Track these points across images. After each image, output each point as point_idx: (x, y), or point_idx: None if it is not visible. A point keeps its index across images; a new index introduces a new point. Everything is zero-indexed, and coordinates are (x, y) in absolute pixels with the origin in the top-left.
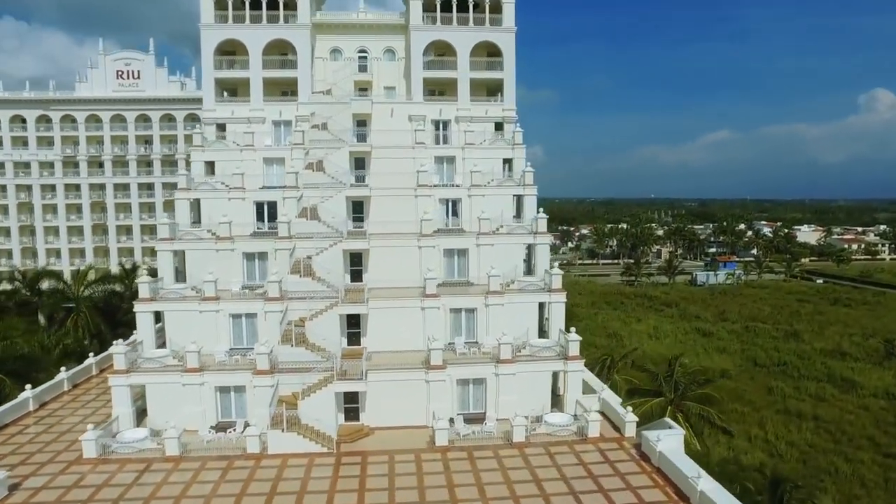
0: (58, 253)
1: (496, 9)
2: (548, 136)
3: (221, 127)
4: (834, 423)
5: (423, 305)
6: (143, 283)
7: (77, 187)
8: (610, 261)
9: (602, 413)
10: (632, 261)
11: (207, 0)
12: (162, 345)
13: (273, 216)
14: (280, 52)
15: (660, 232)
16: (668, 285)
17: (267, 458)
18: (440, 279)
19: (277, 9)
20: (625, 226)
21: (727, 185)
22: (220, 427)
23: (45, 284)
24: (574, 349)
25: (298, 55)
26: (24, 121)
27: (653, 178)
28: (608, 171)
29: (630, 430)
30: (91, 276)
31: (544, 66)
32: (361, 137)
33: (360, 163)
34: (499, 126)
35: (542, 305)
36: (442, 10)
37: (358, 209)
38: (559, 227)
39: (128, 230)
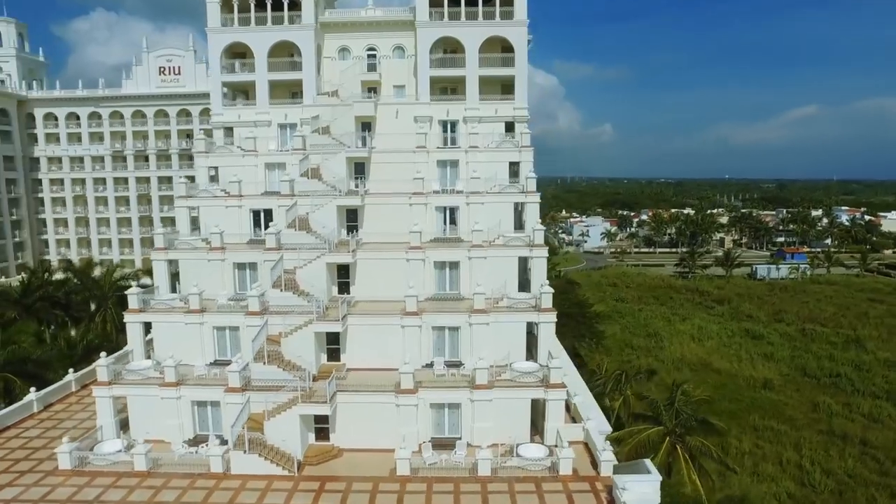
0: (109, 243)
1: (507, 1)
2: (618, 114)
3: (231, 131)
4: (884, 450)
5: (402, 323)
6: (132, 295)
7: (125, 180)
8: (668, 249)
9: (586, 446)
10: (689, 250)
11: (214, 3)
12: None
13: (269, 225)
14: (288, 53)
15: (724, 219)
16: (725, 279)
17: (228, 478)
18: (431, 293)
19: (284, 10)
20: (690, 211)
21: (810, 164)
22: (197, 441)
23: (96, 272)
24: (556, 376)
25: (303, 56)
26: (77, 118)
27: (728, 157)
28: (681, 151)
29: (606, 470)
30: (117, 273)
31: (616, 43)
32: (360, 142)
33: (359, 168)
34: (510, 126)
35: (531, 325)
36: (450, 5)
37: (353, 218)
38: (619, 212)
39: (172, 221)
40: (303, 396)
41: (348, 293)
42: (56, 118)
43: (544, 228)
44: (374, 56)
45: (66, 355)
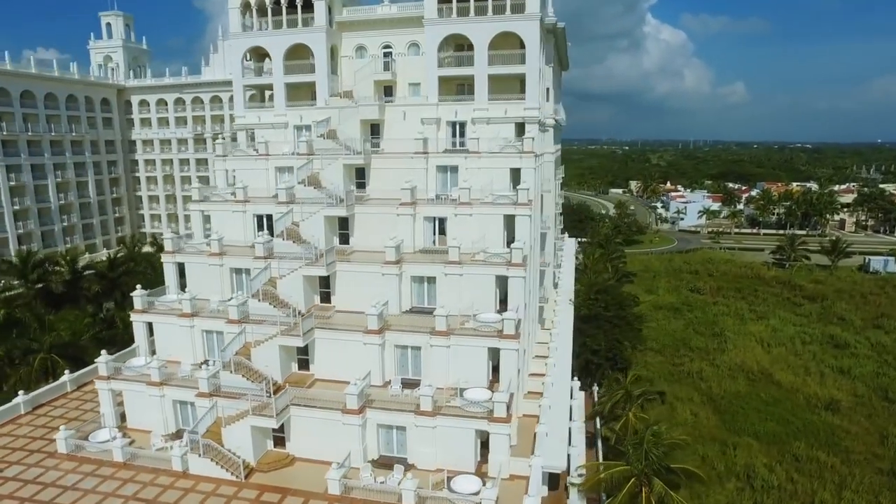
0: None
1: None
2: (752, 72)
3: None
4: None
5: (364, 341)
6: (136, 296)
7: (205, 161)
8: (773, 231)
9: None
10: (789, 235)
11: (235, 9)
12: None
13: (272, 230)
14: (305, 55)
15: (847, 198)
16: (829, 270)
17: (185, 477)
18: (408, 307)
19: (302, 12)
20: (814, 186)
21: None
22: (178, 435)
23: None
24: (500, 409)
25: (315, 59)
26: (166, 103)
27: (884, 118)
28: (823, 111)
29: None
30: None
31: None
32: (360, 147)
33: (361, 174)
34: (522, 128)
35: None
36: (459, 1)
37: (344, 227)
38: (727, 186)
39: None
40: (255, 409)
41: (330, 303)
42: (148, 104)
43: (521, 248)
44: (390, 54)
45: (123, 334)
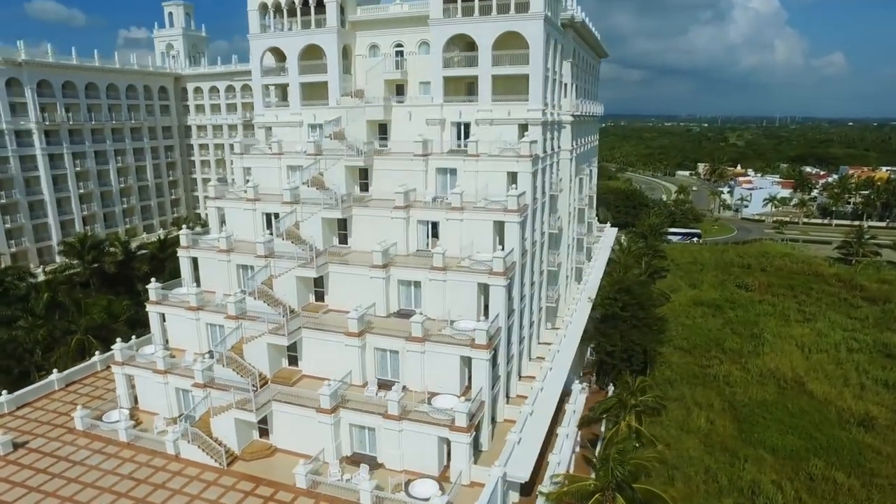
0: None
1: None
2: (853, 41)
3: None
4: None
5: (345, 342)
6: (151, 288)
7: None
8: (848, 222)
9: None
10: (876, 224)
11: (254, 11)
12: None
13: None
14: (319, 55)
15: None
16: None
17: (176, 460)
18: (395, 310)
19: (315, 13)
20: None
21: None
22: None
23: None
24: (460, 420)
25: (327, 59)
26: (218, 90)
27: None
28: None
29: None
30: None
31: None
32: (361, 148)
33: (364, 175)
34: (524, 130)
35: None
36: (463, 0)
37: (343, 227)
38: (801, 171)
39: None
40: (238, 402)
41: (324, 302)
42: (202, 91)
43: (502, 256)
44: (402, 53)
45: None
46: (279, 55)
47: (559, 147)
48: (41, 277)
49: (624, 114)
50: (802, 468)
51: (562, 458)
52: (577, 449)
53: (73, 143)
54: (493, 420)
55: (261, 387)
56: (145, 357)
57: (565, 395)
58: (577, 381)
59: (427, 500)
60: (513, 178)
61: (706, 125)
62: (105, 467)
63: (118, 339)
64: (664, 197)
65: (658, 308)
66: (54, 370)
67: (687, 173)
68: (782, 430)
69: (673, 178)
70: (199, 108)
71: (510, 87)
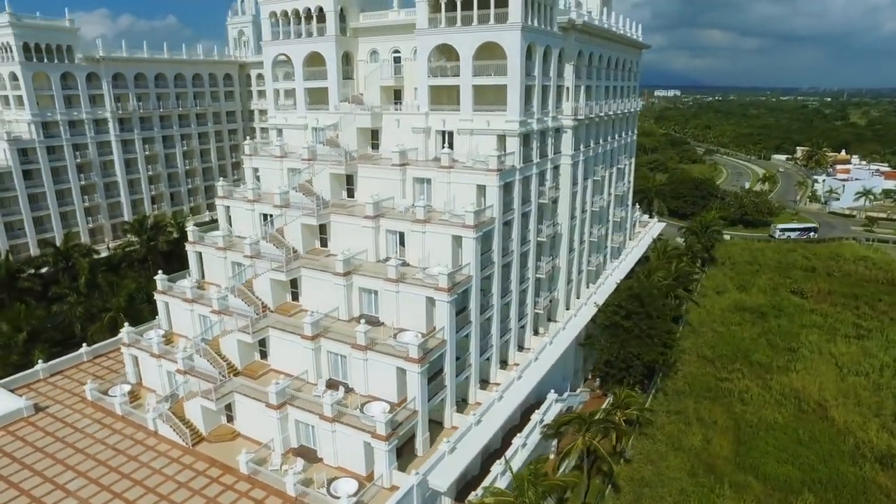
0: None
1: (502, 2)
2: None
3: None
4: None
5: (303, 344)
6: (159, 280)
7: None
8: None
9: None
10: None
11: (267, 19)
12: None
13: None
14: (323, 62)
15: None
16: None
17: (154, 436)
18: (357, 314)
19: (317, 22)
20: None
21: None
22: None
23: None
24: (380, 428)
25: (327, 65)
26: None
27: None
28: None
29: None
30: None
31: None
32: (354, 154)
33: (350, 181)
34: (504, 140)
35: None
36: (447, 10)
37: (324, 231)
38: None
39: None
40: (203, 392)
41: (299, 302)
42: (263, 77)
43: (447, 273)
44: (399, 59)
45: None
46: (290, 60)
47: (558, 153)
48: (104, 254)
49: (735, 86)
50: (790, 502)
51: (507, 468)
52: (552, 457)
53: (143, 130)
54: (443, 426)
55: (234, 377)
56: (147, 341)
57: (540, 403)
58: (552, 391)
59: (335, 496)
60: (483, 190)
61: (829, 99)
62: (98, 435)
63: (125, 324)
64: (746, 185)
65: (683, 315)
66: (83, 344)
67: (783, 157)
68: (783, 457)
69: (768, 162)
70: (262, 94)
71: (495, 98)
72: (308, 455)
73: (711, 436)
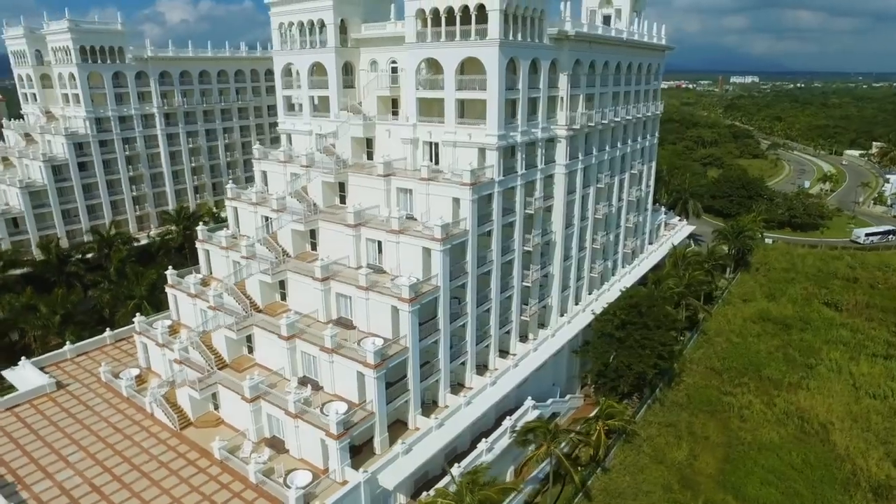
0: None
1: (483, 19)
2: None
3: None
4: None
5: (279, 344)
6: (169, 274)
7: None
8: None
9: None
10: None
11: (276, 30)
12: None
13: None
14: (325, 72)
15: None
16: None
17: (150, 418)
18: (335, 316)
19: (320, 33)
20: None
21: None
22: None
23: None
24: (334, 427)
25: (328, 75)
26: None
27: None
28: None
29: None
30: None
31: None
32: (340, 164)
33: (342, 188)
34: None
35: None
36: (434, 25)
37: (314, 237)
38: None
39: None
40: (190, 382)
41: (286, 302)
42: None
43: (412, 283)
44: (396, 69)
45: None
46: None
47: (551, 162)
48: (143, 241)
49: (823, 72)
50: None
51: (465, 470)
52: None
53: (187, 124)
54: (408, 426)
55: (220, 370)
56: (154, 330)
57: (515, 409)
58: (530, 398)
59: (288, 486)
60: (458, 203)
61: None
62: (105, 414)
63: (136, 314)
64: (807, 184)
65: (701, 322)
66: (107, 329)
67: (856, 153)
68: (768, 479)
69: (840, 157)
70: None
71: (483, 111)
72: (277, 446)
73: (699, 451)
